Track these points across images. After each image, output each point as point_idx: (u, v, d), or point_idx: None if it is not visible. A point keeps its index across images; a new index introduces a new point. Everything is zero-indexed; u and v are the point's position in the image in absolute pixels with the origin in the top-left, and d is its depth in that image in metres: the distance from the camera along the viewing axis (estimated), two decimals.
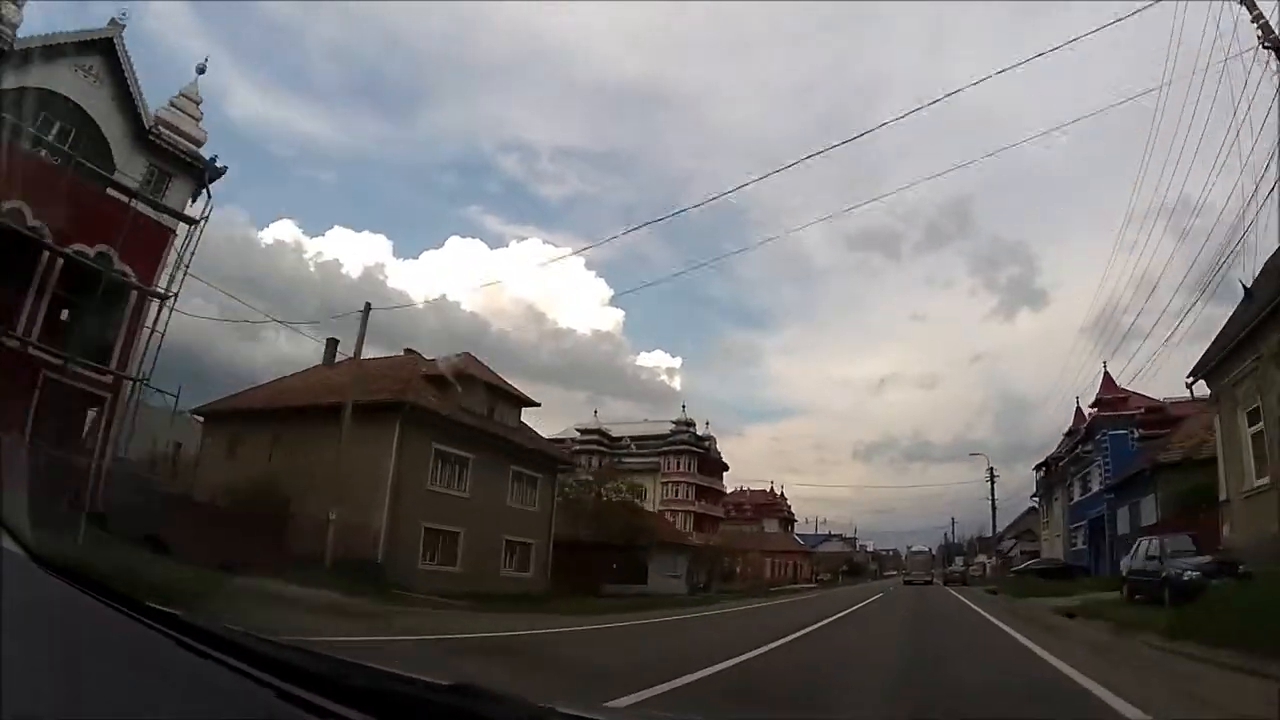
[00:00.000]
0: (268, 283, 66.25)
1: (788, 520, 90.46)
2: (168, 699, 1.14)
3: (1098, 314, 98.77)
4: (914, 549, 70.99)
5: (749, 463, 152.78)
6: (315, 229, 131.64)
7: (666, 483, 63.54)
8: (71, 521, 11.75)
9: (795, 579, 67.60)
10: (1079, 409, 42.83)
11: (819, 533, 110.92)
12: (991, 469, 46.57)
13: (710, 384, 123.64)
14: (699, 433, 67.00)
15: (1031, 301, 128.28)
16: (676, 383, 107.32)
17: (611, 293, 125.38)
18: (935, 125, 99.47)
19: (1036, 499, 50.70)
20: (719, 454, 69.56)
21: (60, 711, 0.99)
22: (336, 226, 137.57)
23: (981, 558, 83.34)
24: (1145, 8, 10.59)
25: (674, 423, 66.57)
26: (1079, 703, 5.24)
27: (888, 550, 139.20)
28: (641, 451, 66.49)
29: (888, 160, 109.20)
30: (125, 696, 1.10)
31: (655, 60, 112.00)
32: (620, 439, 68.83)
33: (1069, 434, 42.87)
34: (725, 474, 71.03)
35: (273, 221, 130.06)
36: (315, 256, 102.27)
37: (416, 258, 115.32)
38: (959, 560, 72.89)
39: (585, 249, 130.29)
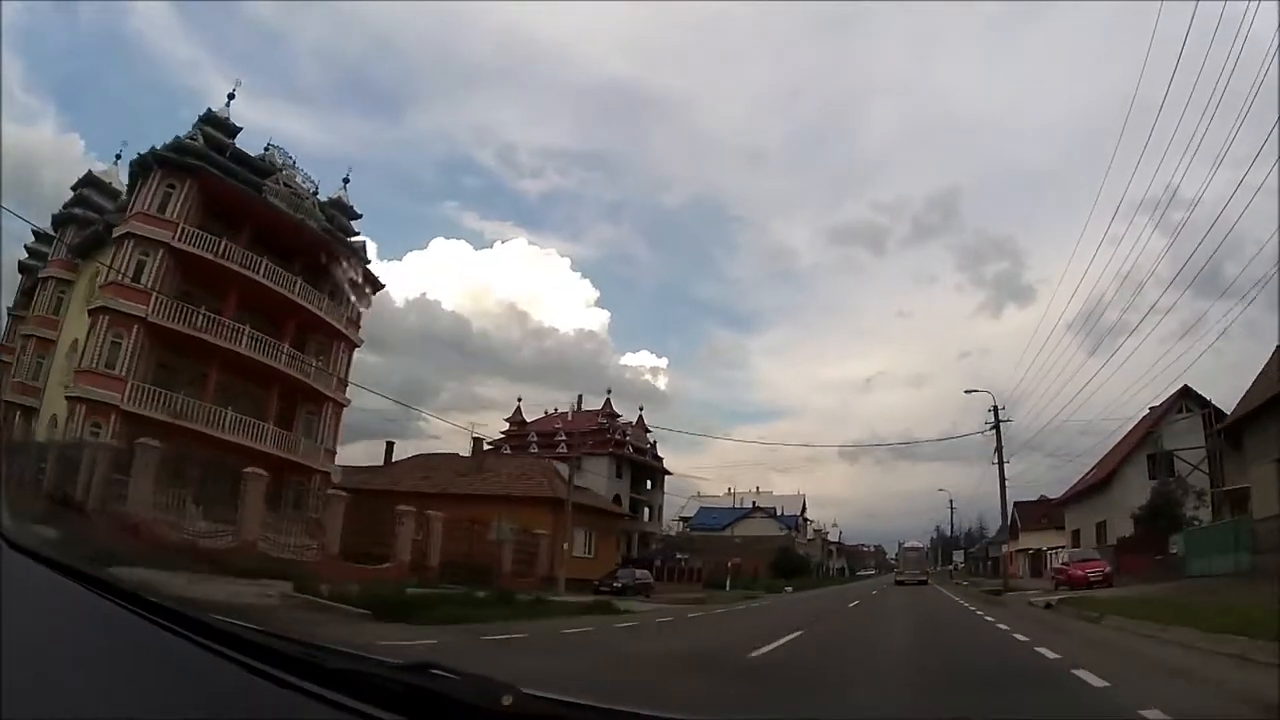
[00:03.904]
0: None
1: (641, 465, 48.37)
2: (142, 677, 1.18)
3: (1085, 310, 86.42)
4: (908, 544, 59.23)
5: (736, 463, 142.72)
6: None
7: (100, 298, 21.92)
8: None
9: (526, 573, 25.63)
10: None
11: (740, 506, 69.57)
12: None
13: (697, 385, 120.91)
14: (269, 157, 24.95)
15: (1018, 297, 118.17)
16: (662, 383, 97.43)
17: (597, 293, 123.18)
18: (922, 121, 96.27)
19: None
20: (351, 248, 27.63)
21: (36, 691, 1.01)
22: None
23: (1011, 546, 46.20)
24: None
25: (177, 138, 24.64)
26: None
27: (867, 546, 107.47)
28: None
29: (875, 156, 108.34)
30: (100, 676, 1.13)
31: (644, 61, 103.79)
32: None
33: None
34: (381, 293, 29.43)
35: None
36: None
37: (400, 259, 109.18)
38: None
39: (569, 249, 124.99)
